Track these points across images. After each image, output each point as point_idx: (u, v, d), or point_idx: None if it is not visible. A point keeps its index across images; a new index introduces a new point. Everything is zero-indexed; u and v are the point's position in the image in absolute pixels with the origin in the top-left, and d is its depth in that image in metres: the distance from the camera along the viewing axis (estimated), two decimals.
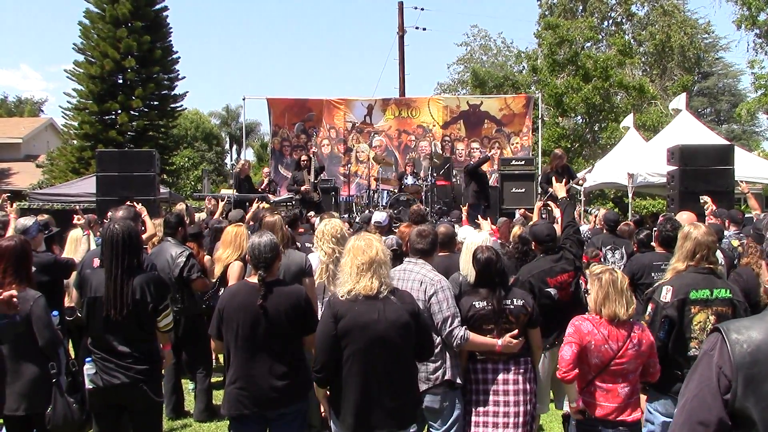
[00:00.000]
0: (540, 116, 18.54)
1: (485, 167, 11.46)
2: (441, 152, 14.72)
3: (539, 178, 10.51)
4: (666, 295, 3.57)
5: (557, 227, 4.78)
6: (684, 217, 5.63)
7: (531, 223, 6.39)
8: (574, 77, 23.04)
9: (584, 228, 7.86)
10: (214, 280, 5.44)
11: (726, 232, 6.07)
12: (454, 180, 13.16)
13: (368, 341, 2.96)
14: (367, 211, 4.77)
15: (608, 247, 6.61)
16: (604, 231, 6.94)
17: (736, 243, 5.76)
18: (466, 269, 4.05)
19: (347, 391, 3.00)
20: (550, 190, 9.66)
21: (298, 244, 5.11)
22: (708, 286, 3.54)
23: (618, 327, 3.28)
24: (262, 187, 11.97)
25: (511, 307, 3.67)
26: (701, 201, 6.74)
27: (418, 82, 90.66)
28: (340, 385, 3.03)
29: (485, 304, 3.65)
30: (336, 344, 3.00)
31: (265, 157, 42.62)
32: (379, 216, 6.28)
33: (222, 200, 8.99)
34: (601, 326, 3.29)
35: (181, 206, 6.81)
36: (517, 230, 5.82)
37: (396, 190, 11.78)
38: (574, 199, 5.03)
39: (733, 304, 3.52)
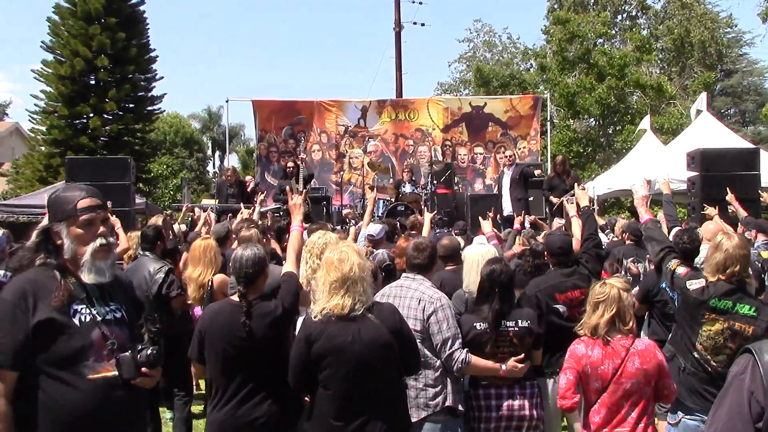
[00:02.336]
0: (549, 118, 18.64)
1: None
2: (441, 158, 14.76)
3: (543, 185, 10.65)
4: (692, 283, 3.68)
5: (576, 240, 4.81)
6: (710, 227, 5.67)
7: (545, 232, 6.38)
8: (587, 76, 23.22)
9: (603, 239, 7.84)
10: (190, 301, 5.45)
11: (754, 242, 6.11)
12: (456, 188, 13.20)
13: (344, 365, 2.95)
14: (378, 253, 4.78)
15: (630, 259, 6.62)
16: (627, 242, 6.99)
17: (766, 254, 5.80)
18: (471, 284, 4.07)
19: (324, 415, 2.99)
20: (552, 199, 9.74)
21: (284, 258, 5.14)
22: (732, 298, 3.57)
23: (614, 344, 3.27)
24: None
25: (516, 329, 3.69)
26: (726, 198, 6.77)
27: (416, 82, 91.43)
28: (317, 409, 3.04)
29: (487, 326, 3.68)
30: (310, 368, 3.01)
31: (251, 164, 42.64)
32: (373, 228, 6.25)
33: (204, 211, 8.99)
34: (596, 346, 3.29)
35: (158, 218, 6.81)
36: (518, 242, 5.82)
37: (393, 200, 11.80)
38: (591, 211, 5.04)
39: (756, 324, 3.56)
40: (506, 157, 11.68)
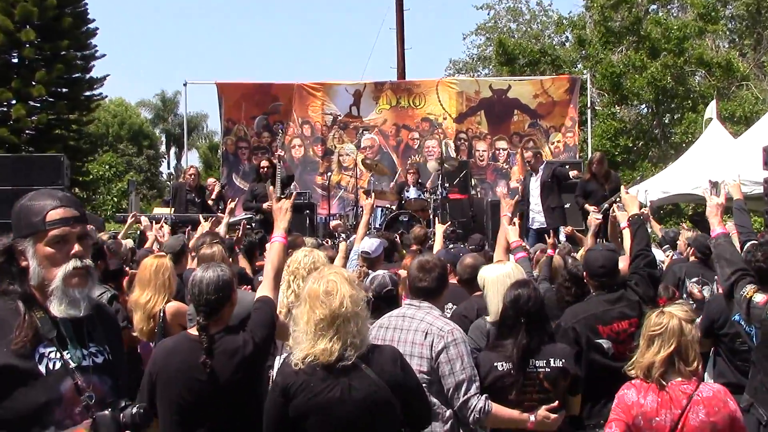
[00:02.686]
0: (590, 105, 18.72)
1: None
2: (455, 155, 14.77)
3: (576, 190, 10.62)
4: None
5: (623, 258, 4.82)
6: None
7: (584, 248, 6.36)
8: (636, 51, 23.29)
9: (658, 255, 7.83)
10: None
11: None
12: (473, 192, 13.21)
13: (330, 428, 2.93)
14: (377, 275, 4.72)
15: (693, 280, 6.61)
16: (692, 258, 6.96)
17: None
18: (493, 313, 4.09)
19: None
20: (590, 209, 9.68)
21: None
22: None
23: (672, 390, 3.23)
24: (209, 203, 11.97)
25: (547, 370, 3.69)
26: None
27: (423, 60, 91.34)
28: None
29: (510, 366, 3.68)
30: (288, 428, 3.00)
31: (215, 163, 42.40)
32: (368, 244, 6.21)
33: (156, 222, 8.98)
34: (650, 392, 3.26)
35: (104, 234, 6.84)
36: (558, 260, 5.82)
37: (394, 207, 11.76)
38: (643, 221, 5.04)
39: None
40: (531, 156, 11.51)
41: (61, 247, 2.42)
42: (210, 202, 12.02)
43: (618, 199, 5.75)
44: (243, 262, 6.20)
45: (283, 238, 3.80)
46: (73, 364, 2.40)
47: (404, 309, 3.86)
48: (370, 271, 5.80)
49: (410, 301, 3.88)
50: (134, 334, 5.47)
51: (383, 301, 4.50)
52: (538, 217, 10.96)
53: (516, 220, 5.98)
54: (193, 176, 11.80)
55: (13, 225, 2.52)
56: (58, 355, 2.39)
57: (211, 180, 13.37)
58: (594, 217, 7.38)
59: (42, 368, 2.35)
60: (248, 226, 10.16)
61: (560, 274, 5.52)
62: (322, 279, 3.05)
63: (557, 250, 6.50)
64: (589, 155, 15.66)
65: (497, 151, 15.52)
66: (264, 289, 3.57)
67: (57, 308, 2.41)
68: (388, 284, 4.57)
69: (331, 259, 5.94)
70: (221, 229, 6.92)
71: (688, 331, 3.27)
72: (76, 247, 2.44)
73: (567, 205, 11.17)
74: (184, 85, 15.86)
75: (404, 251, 7.52)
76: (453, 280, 5.24)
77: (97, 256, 5.60)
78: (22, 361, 2.33)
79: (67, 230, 2.43)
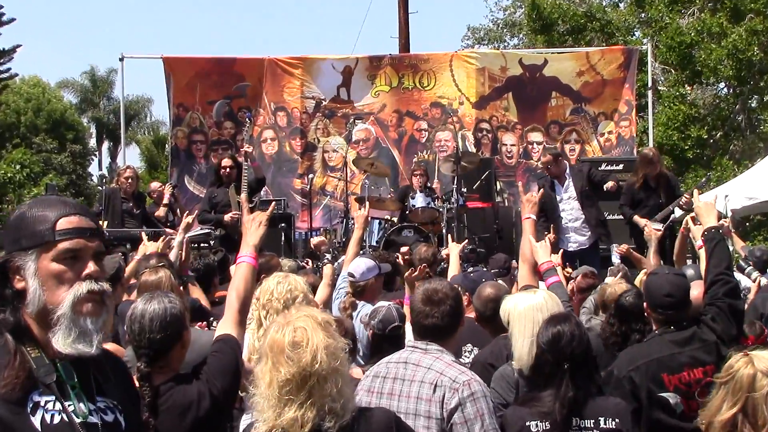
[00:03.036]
0: (651, 84, 18.70)
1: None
2: (475, 151, 14.75)
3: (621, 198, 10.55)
4: None
5: (697, 285, 4.82)
6: None
7: (643, 272, 6.37)
8: (713, 14, 23.33)
9: (743, 281, 7.83)
10: None
11: None
12: (498, 200, 13.19)
13: None
14: (381, 308, 4.72)
15: None
16: None
17: None
18: (523, 356, 4.09)
19: None
20: (640, 221, 9.59)
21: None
22: None
23: None
24: (157, 214, 11.99)
25: (596, 431, 3.72)
26: None
27: (432, 28, 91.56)
28: None
29: (548, 427, 3.68)
30: None
31: (162, 162, 41.98)
32: (355, 264, 6.24)
33: None
34: None
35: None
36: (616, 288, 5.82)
37: (395, 220, 11.81)
38: (722, 236, 5.03)
39: None
40: (550, 160, 11.00)
41: (73, 264, 2.40)
42: (160, 212, 12.02)
43: (685, 208, 5.75)
44: (197, 292, 6.17)
45: (253, 259, 3.75)
46: (78, 419, 2.37)
47: (407, 353, 3.84)
48: (359, 302, 5.80)
49: (414, 344, 3.86)
50: None
51: (387, 342, 4.53)
52: (575, 236, 10.75)
53: (550, 236, 5.97)
54: (130, 180, 11.69)
55: (7, 238, 2.49)
56: (59, 406, 2.36)
57: (155, 184, 13.34)
58: (653, 228, 7.34)
59: (36, 421, 2.32)
60: (205, 245, 10.18)
61: (609, 307, 5.56)
62: (287, 326, 2.97)
63: (609, 271, 6.51)
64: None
65: (530, 146, 15.46)
66: (226, 326, 3.52)
67: (63, 342, 2.36)
68: (395, 319, 4.65)
69: (314, 288, 5.92)
70: (173, 253, 6.90)
71: (761, 387, 3.14)
72: (91, 266, 2.42)
73: (607, 215, 11.19)
74: (121, 59, 15.77)
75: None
76: (471, 314, 5.26)
77: (115, 279, 5.70)
78: (10, 410, 2.30)
79: (82, 243, 2.42)
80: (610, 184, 10.76)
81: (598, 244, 10.85)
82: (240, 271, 3.72)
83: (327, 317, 3.11)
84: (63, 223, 2.40)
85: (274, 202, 10.48)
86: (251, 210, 9.81)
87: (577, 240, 10.75)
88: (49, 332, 2.37)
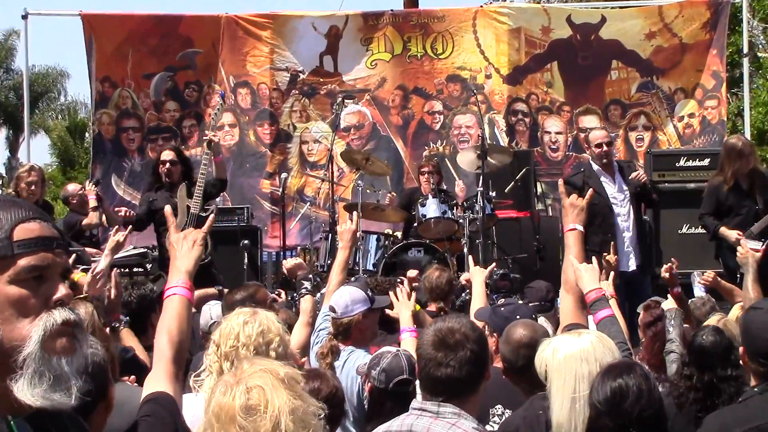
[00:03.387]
0: (746, 50, 18.42)
1: None
2: (507, 140, 14.77)
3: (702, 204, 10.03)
4: None
5: None
6: None
7: (738, 306, 6.39)
8: None
9: None
10: None
11: None
12: (539, 207, 13.08)
13: None
14: (386, 354, 4.87)
15: None
16: None
17: None
18: (563, 422, 4.05)
19: None
20: (730, 235, 9.48)
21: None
22: None
23: None
24: (86, 223, 11.80)
25: None
26: None
27: None
28: None
29: None
30: None
31: (80, 157, 42.24)
32: (340, 295, 6.23)
33: None
34: None
35: None
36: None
37: (398, 234, 12.02)
38: None
39: None
40: (601, 143, 10.99)
41: (37, 287, 2.37)
42: (91, 218, 11.83)
43: None
44: (128, 336, 6.04)
45: (187, 290, 3.70)
46: None
47: (412, 418, 3.80)
48: (343, 347, 5.78)
49: (422, 404, 3.84)
50: None
51: (391, 399, 4.50)
52: (628, 258, 10.49)
53: (609, 257, 5.91)
54: (33, 183, 11.48)
55: None
56: None
57: (73, 187, 13.20)
58: (750, 249, 7.25)
59: None
60: (138, 270, 10.15)
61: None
62: (237, 385, 2.89)
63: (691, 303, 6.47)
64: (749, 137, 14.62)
65: (581, 135, 14.99)
66: (157, 381, 3.53)
67: (29, 392, 2.30)
68: (403, 370, 4.65)
69: (289, 327, 5.73)
70: (91, 286, 6.81)
71: None
72: (62, 289, 2.41)
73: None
74: (24, 17, 15.53)
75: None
76: (499, 365, 5.15)
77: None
78: None
79: (49, 258, 2.39)
80: (634, 174, 10.81)
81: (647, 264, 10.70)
82: (171, 306, 3.66)
83: (292, 372, 3.02)
84: (21, 232, 2.37)
85: (213, 215, 10.38)
86: (199, 223, 9.69)
87: (634, 261, 10.43)
88: (6, 379, 2.29)
